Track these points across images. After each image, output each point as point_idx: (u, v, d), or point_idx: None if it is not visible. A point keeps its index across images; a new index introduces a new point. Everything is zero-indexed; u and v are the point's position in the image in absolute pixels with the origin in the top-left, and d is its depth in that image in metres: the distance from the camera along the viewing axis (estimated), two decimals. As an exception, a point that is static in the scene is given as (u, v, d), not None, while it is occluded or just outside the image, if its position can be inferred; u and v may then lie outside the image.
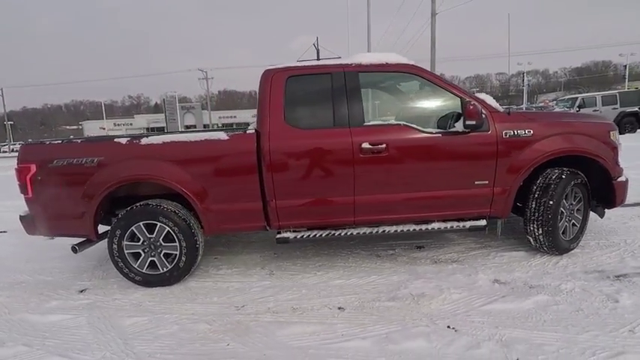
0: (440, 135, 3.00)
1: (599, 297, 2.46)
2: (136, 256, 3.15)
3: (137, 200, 3.16)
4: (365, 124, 3.02)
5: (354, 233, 3.15)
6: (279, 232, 3.18)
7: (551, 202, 3.00)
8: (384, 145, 2.95)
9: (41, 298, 3.10)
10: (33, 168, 3.01)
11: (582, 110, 14.64)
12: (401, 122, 3.04)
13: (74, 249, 3.19)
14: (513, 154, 3.01)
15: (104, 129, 46.42)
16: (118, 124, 53.34)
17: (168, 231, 3.07)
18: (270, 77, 3.08)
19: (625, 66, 36.89)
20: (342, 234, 3.15)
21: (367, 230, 3.16)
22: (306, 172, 3.02)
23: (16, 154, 3.30)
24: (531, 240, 3.17)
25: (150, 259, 3.14)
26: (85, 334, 2.50)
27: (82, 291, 3.20)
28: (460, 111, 3.04)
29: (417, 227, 3.16)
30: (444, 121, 3.08)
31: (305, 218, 3.11)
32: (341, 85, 3.06)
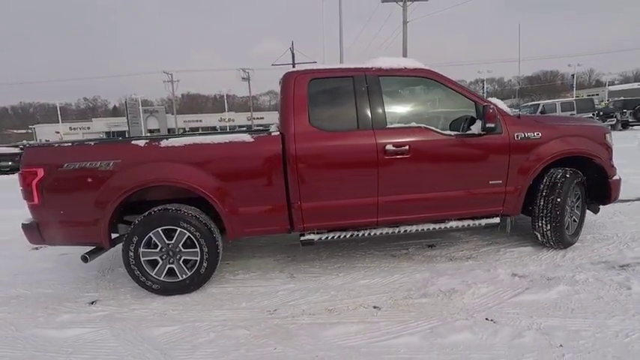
0: (457, 137, 3.13)
1: (612, 285, 2.68)
2: (153, 263, 3.02)
3: (147, 206, 3.04)
4: (388, 126, 3.10)
5: (377, 233, 3.21)
6: (301, 235, 3.17)
7: (558, 200, 3.22)
8: (407, 147, 3.04)
9: (48, 312, 2.88)
10: (40, 172, 2.82)
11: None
12: (421, 125, 3.15)
13: (85, 258, 3.00)
14: (524, 155, 3.20)
15: (59, 133, 43.56)
16: (74, 128, 50.23)
17: (188, 236, 2.98)
18: (292, 79, 3.09)
19: (573, 75, 40.05)
20: (365, 234, 3.20)
21: (389, 230, 3.23)
22: (332, 174, 3.05)
23: None
24: (539, 236, 3.39)
25: (168, 266, 3.02)
26: (114, 346, 2.37)
27: (92, 302, 3.02)
28: (472, 114, 3.21)
29: (436, 226, 3.27)
30: (457, 124, 3.23)
31: (330, 220, 3.13)
32: (363, 88, 3.12)
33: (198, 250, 3.00)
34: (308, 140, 2.99)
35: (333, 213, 3.10)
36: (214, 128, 45.97)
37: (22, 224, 2.99)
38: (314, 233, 3.16)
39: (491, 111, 2.96)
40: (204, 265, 3.03)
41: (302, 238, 3.13)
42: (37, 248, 4.61)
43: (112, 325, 2.63)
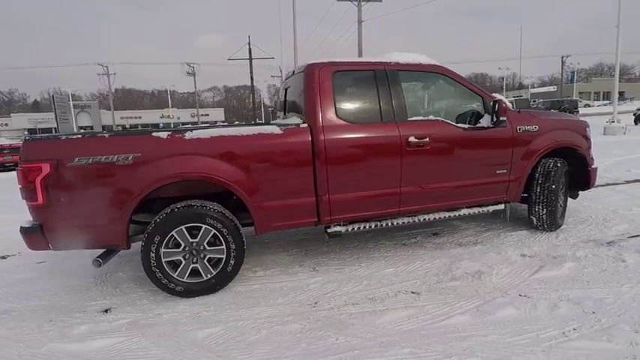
0: (470, 130, 3.34)
1: (608, 259, 3.05)
2: (174, 264, 2.83)
3: (161, 203, 2.85)
4: (408, 119, 3.21)
5: (399, 223, 3.31)
6: (327, 227, 3.17)
7: (553, 187, 3.58)
8: (427, 139, 3.18)
9: (57, 324, 2.58)
10: (46, 168, 2.50)
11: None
12: (438, 118, 3.31)
13: (98, 262, 2.73)
14: (525, 147, 3.51)
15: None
16: (-13, 124, 44.24)
17: (213, 234, 2.83)
18: (316, 72, 3.06)
19: (502, 78, 44.12)
20: (388, 224, 3.29)
21: (409, 220, 3.35)
22: (359, 166, 3.09)
23: None
24: (534, 220, 3.74)
25: (192, 266, 2.85)
26: (159, 353, 2.20)
27: (105, 311, 2.75)
28: (478, 108, 3.46)
29: (450, 214, 3.46)
30: (463, 118, 3.45)
31: (356, 211, 3.17)
32: (384, 81, 3.19)
33: (224, 247, 2.87)
34: (336, 132, 3.00)
35: (359, 204, 3.15)
36: (156, 125, 43.30)
37: (22, 228, 2.62)
38: (340, 225, 3.17)
39: (504, 105, 3.21)
40: (231, 262, 2.90)
41: (330, 231, 3.13)
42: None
43: (143, 332, 2.43)
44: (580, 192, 4.17)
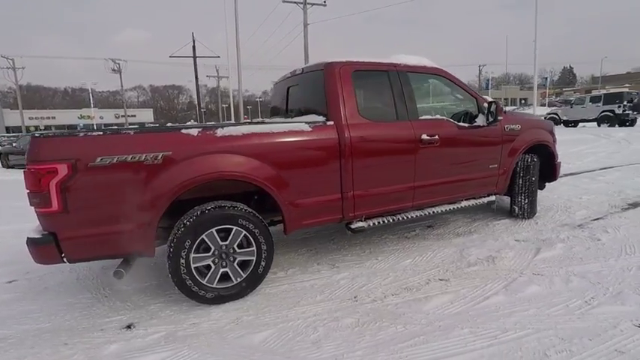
0: (469, 128, 3.65)
1: (586, 239, 3.55)
2: (202, 270, 2.67)
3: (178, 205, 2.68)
4: (419, 118, 3.41)
5: (411, 216, 3.49)
6: (349, 223, 3.23)
7: (533, 179, 4.07)
8: (436, 137, 3.41)
9: (77, 347, 2.28)
10: (63, 169, 2.20)
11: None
12: (443, 117, 3.56)
13: (121, 273, 2.47)
14: (511, 144, 3.93)
15: None
16: None
17: (244, 235, 2.73)
18: (337, 70, 3.11)
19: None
20: (402, 218, 3.45)
21: (419, 213, 3.54)
22: (380, 162, 3.20)
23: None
24: (516, 209, 4.19)
25: (221, 270, 2.71)
26: (221, 363, 2.06)
27: (128, 327, 2.50)
28: (471, 109, 3.79)
29: (451, 207, 3.73)
30: (456, 117, 3.76)
31: (377, 207, 3.27)
32: (397, 81, 3.35)
33: (254, 249, 2.78)
34: (359, 129, 3.07)
35: (380, 200, 3.26)
36: (74, 127, 38.87)
37: (30, 239, 2.26)
38: (362, 220, 3.25)
39: (500, 107, 3.57)
40: (262, 264, 2.82)
41: (354, 227, 3.18)
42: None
43: (188, 344, 2.26)
44: (546, 183, 4.76)
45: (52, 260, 2.31)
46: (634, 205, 4.57)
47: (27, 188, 2.23)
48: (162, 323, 2.52)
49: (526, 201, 4.12)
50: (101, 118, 44.10)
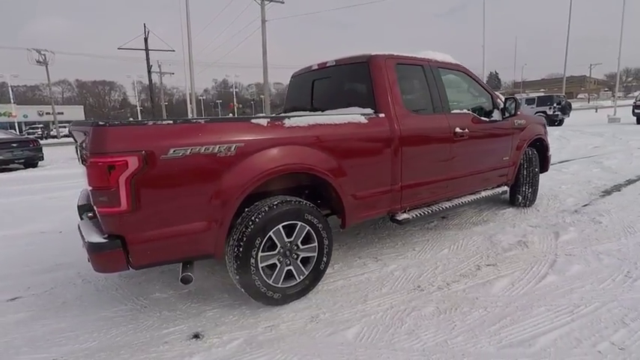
0: (489, 123, 3.87)
1: (589, 223, 3.95)
2: (266, 269, 2.52)
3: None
4: (451, 112, 3.53)
5: (444, 207, 3.60)
6: (394, 215, 3.24)
7: (536, 170, 4.42)
8: (466, 130, 3.56)
9: (149, 363, 2.02)
10: (133, 162, 1.94)
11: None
12: (469, 112, 3.73)
13: (190, 277, 2.23)
14: (518, 137, 4.24)
15: None
16: None
17: (307, 231, 2.62)
18: (382, 62, 3.11)
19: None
20: (436, 209, 3.54)
21: (448, 204, 3.67)
22: (423, 154, 3.26)
23: None
24: (520, 198, 4.53)
25: (286, 268, 2.58)
26: (328, 362, 1.97)
27: (195, 337, 2.28)
28: (484, 105, 4.03)
29: (473, 197, 3.92)
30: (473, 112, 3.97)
31: (418, 198, 3.33)
32: (431, 76, 3.45)
33: (316, 244, 2.69)
34: (406, 121, 3.10)
35: (422, 191, 3.32)
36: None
37: (92, 244, 1.95)
38: (406, 212, 3.29)
39: (520, 103, 3.82)
40: (324, 260, 2.74)
41: (400, 218, 3.20)
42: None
43: (280, 348, 2.13)
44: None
45: (118, 267, 2.02)
46: (608, 193, 5.18)
47: (90, 185, 1.92)
48: (232, 330, 2.33)
49: (530, 190, 4.47)
50: (25, 116, 39.14)
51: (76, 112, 48.54)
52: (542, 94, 26.08)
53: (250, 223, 2.37)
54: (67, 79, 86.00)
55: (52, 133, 38.64)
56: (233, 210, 2.27)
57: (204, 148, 2.13)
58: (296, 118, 2.55)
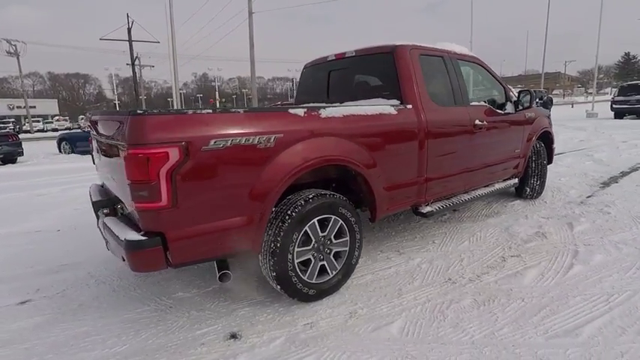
0: (504, 115, 3.89)
1: (597, 213, 4.04)
2: (301, 264, 2.44)
3: None
4: (470, 104, 3.52)
5: (464, 199, 3.60)
6: (417, 207, 3.21)
7: (544, 162, 4.49)
8: (484, 122, 3.56)
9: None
10: (174, 154, 1.82)
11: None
12: (486, 104, 3.73)
13: (228, 275, 2.13)
14: (529, 129, 4.28)
15: None
16: None
17: (340, 225, 2.56)
18: (407, 52, 3.06)
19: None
20: (456, 202, 3.54)
21: (467, 197, 3.67)
22: (447, 146, 3.24)
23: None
24: (528, 190, 4.59)
25: (320, 263, 2.51)
26: (382, 357, 1.92)
27: (232, 337, 2.19)
28: (496, 97, 4.05)
29: (488, 190, 3.94)
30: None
31: (441, 190, 3.31)
32: (451, 67, 3.42)
33: (348, 238, 2.63)
34: (432, 113, 3.06)
35: (444, 183, 3.30)
36: None
37: (129, 242, 1.82)
38: (429, 205, 3.26)
39: (534, 96, 3.85)
40: (356, 254, 2.68)
41: (424, 210, 3.17)
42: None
43: (325, 345, 2.07)
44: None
45: (158, 266, 1.90)
46: (606, 184, 5.32)
47: (128, 179, 1.79)
48: (270, 328, 2.25)
49: (538, 182, 4.54)
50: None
51: (50, 106, 46.50)
52: (520, 89, 26.78)
53: (287, 217, 2.28)
54: (38, 71, 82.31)
55: (24, 127, 36.93)
56: (273, 203, 2.18)
57: (244, 139, 2.02)
58: (331, 108, 2.47)
